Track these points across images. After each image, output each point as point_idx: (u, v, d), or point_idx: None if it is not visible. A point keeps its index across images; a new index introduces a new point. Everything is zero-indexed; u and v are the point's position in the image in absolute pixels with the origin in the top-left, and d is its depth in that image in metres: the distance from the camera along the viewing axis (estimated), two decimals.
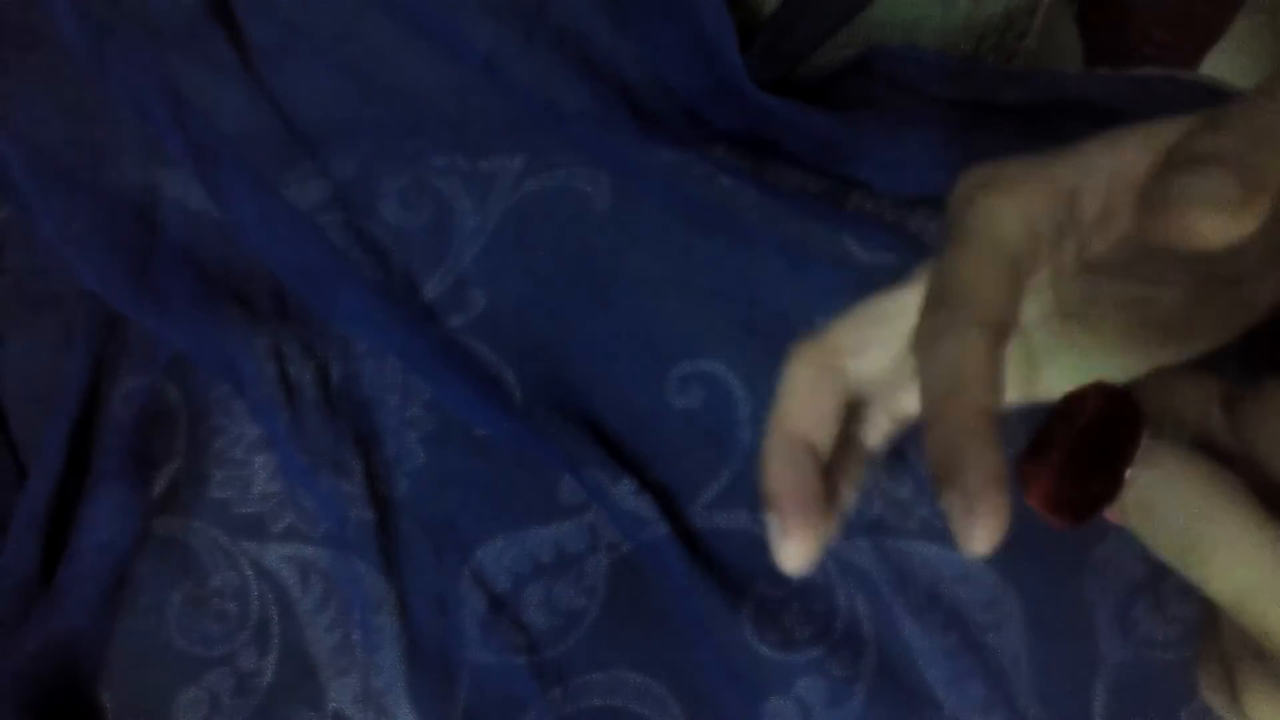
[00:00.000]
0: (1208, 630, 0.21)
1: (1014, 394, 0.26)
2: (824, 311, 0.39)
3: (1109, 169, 0.22)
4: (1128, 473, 0.19)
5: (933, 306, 0.20)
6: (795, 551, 0.22)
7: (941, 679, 0.34)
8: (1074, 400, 0.20)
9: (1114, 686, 0.33)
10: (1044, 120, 0.40)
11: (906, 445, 0.37)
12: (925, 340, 0.20)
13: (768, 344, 0.38)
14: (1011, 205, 0.21)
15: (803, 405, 0.24)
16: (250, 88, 0.41)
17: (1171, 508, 0.18)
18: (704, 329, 0.39)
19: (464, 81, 0.42)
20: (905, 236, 0.39)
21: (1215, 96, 0.40)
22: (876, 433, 0.26)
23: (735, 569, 0.36)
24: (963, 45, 0.45)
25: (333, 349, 0.40)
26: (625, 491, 0.36)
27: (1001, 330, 0.20)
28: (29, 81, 0.41)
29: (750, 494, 0.37)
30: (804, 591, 0.36)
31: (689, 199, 0.40)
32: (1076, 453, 0.20)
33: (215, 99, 0.41)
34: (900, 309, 0.25)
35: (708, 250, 0.40)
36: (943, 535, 0.35)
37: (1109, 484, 0.19)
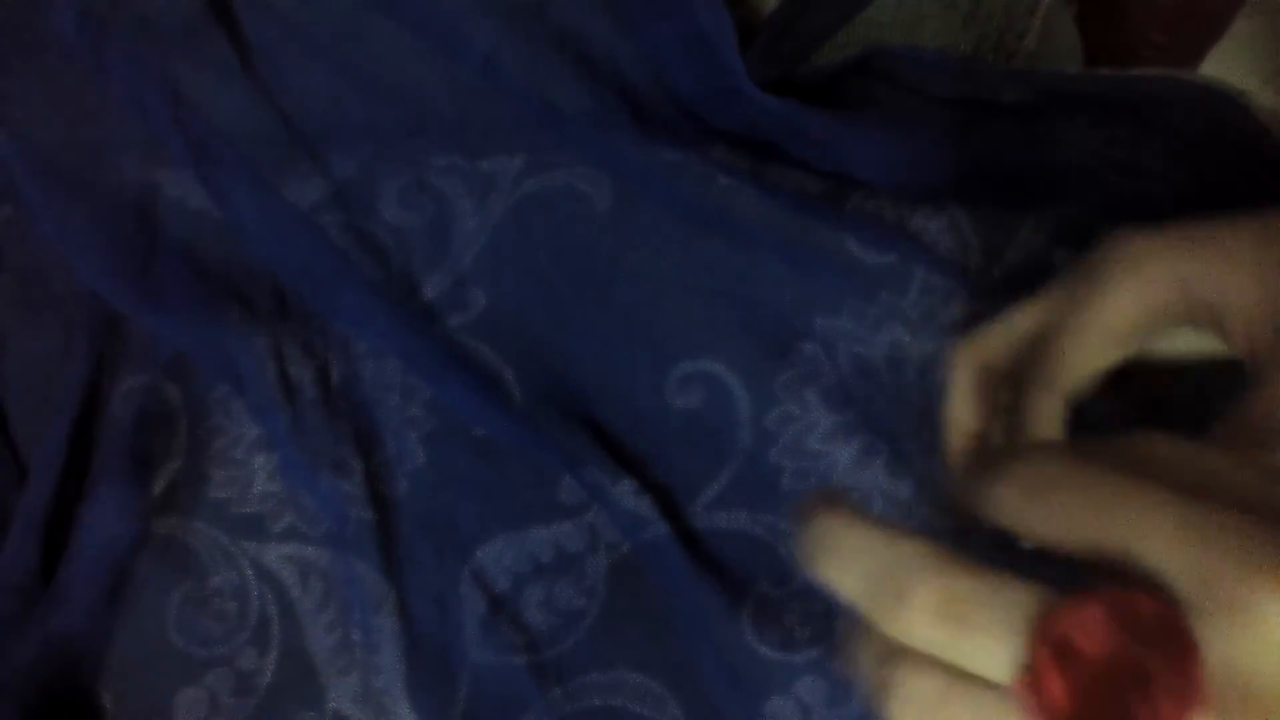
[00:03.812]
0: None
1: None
2: (824, 311, 0.39)
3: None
4: None
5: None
6: None
7: None
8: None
9: None
10: (1043, 120, 0.40)
11: (907, 445, 0.37)
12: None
13: (768, 344, 0.38)
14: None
15: (969, 400, 0.31)
16: (250, 88, 0.41)
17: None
18: (704, 329, 0.39)
19: (464, 82, 0.41)
20: (906, 236, 0.39)
21: (1212, 96, 0.40)
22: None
23: (735, 569, 0.36)
24: (963, 45, 0.45)
25: (333, 349, 0.40)
26: (625, 491, 0.36)
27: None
28: (29, 81, 0.41)
29: (750, 494, 0.37)
30: (804, 591, 0.36)
31: (689, 199, 0.40)
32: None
33: (215, 99, 0.41)
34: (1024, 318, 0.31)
35: (708, 250, 0.40)
36: (941, 536, 0.35)
37: None
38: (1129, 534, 0.17)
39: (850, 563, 0.19)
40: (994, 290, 0.38)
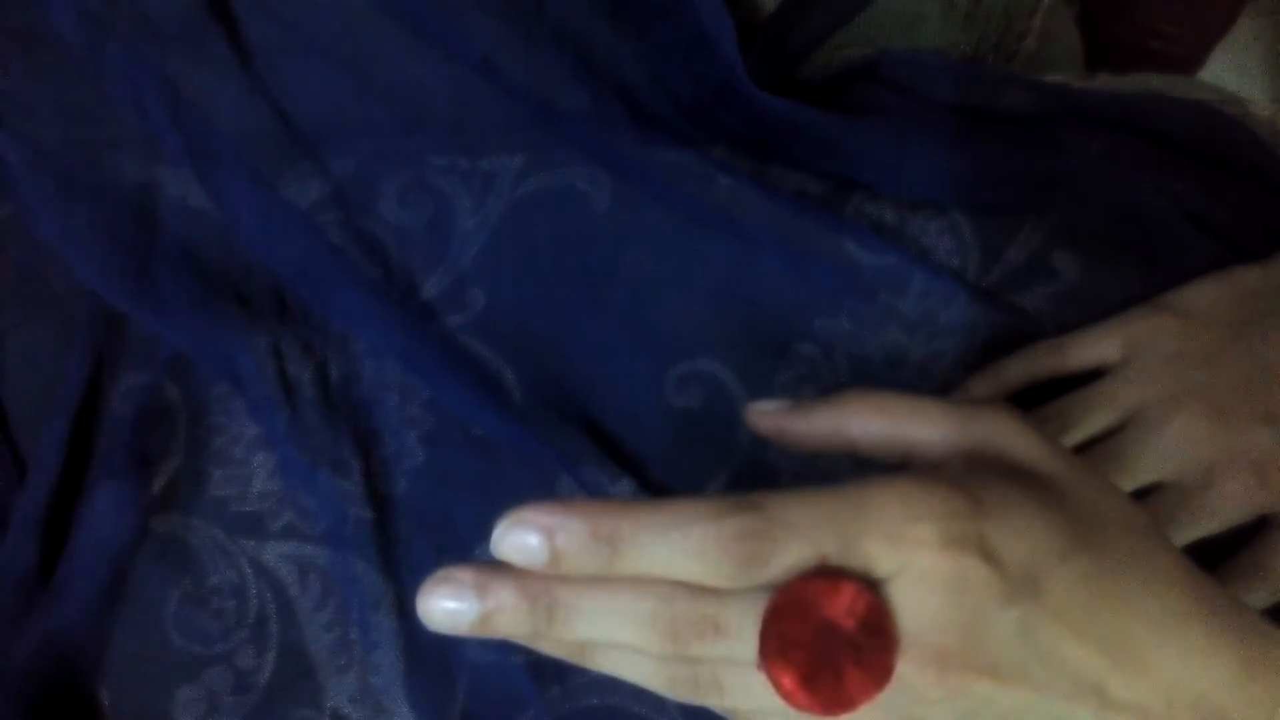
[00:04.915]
0: None
1: None
2: (823, 312, 0.39)
3: None
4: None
5: None
6: None
7: None
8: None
9: None
10: (1043, 125, 0.40)
11: None
12: None
13: (766, 344, 0.38)
14: None
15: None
16: (249, 86, 0.41)
17: None
18: (704, 329, 0.39)
19: (463, 81, 0.41)
20: (905, 238, 0.39)
21: (1208, 113, 0.40)
22: None
23: None
24: (963, 46, 0.45)
25: (332, 348, 0.40)
26: (624, 491, 0.36)
27: None
28: (29, 81, 0.41)
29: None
30: None
31: (689, 199, 0.40)
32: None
33: (214, 98, 0.41)
34: None
35: (708, 250, 0.40)
36: None
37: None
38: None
39: (606, 615, 0.22)
40: (993, 292, 0.38)
